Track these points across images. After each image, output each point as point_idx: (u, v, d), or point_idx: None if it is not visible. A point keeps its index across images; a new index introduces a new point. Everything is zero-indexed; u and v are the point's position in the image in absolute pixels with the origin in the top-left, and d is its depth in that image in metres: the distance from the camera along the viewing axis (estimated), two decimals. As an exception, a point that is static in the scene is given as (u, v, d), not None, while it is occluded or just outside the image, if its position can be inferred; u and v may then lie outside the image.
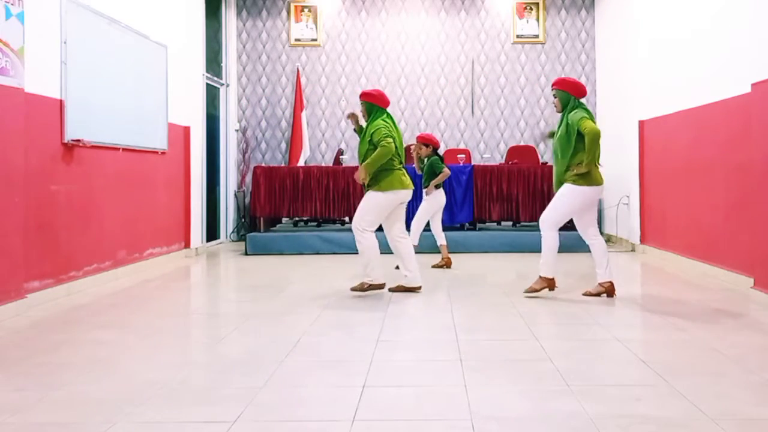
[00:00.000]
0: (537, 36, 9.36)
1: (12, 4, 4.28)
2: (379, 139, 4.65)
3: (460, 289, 5.20)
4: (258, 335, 3.81)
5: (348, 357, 3.30)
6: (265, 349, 3.46)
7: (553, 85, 4.79)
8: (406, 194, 4.85)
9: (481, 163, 8.42)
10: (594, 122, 4.54)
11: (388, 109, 4.96)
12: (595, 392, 2.72)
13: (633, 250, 7.59)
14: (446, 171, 6.23)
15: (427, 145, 6.31)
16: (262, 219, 7.84)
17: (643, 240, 7.44)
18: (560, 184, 4.67)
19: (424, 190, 6.32)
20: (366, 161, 4.70)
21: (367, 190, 4.80)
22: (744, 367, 3.07)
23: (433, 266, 6.34)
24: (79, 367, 3.11)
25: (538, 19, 9.35)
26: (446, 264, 6.36)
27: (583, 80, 9.34)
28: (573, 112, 4.57)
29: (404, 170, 4.87)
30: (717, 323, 3.98)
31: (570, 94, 4.66)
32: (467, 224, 7.85)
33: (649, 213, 7.31)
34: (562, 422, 2.41)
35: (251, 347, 3.52)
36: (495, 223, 8.23)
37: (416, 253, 5.18)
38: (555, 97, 4.75)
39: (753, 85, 4.86)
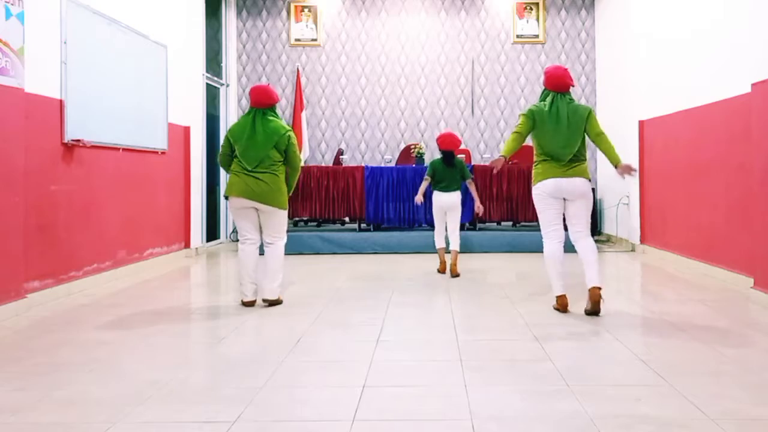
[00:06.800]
0: (537, 36, 9.36)
1: (12, 4, 4.28)
2: None
3: (460, 289, 5.19)
4: (258, 335, 3.81)
5: (348, 357, 3.30)
6: (265, 349, 3.46)
7: None
8: (242, 202, 4.39)
9: (481, 163, 8.41)
10: (524, 122, 4.23)
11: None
12: (595, 392, 2.72)
13: (633, 250, 7.59)
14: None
15: None
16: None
17: (643, 240, 7.44)
18: None
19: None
20: None
21: None
22: (744, 367, 3.07)
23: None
24: (79, 367, 3.11)
25: (538, 19, 9.35)
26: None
27: (582, 80, 9.35)
28: None
29: (251, 175, 4.37)
30: (717, 323, 3.98)
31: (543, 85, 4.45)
32: (467, 224, 7.84)
33: (649, 213, 7.31)
34: (563, 422, 2.41)
35: (251, 347, 3.53)
36: (495, 224, 8.23)
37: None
38: None
39: (753, 85, 4.86)
